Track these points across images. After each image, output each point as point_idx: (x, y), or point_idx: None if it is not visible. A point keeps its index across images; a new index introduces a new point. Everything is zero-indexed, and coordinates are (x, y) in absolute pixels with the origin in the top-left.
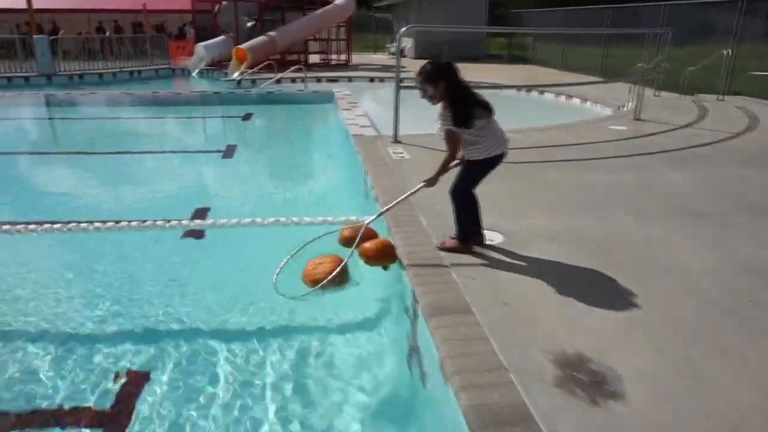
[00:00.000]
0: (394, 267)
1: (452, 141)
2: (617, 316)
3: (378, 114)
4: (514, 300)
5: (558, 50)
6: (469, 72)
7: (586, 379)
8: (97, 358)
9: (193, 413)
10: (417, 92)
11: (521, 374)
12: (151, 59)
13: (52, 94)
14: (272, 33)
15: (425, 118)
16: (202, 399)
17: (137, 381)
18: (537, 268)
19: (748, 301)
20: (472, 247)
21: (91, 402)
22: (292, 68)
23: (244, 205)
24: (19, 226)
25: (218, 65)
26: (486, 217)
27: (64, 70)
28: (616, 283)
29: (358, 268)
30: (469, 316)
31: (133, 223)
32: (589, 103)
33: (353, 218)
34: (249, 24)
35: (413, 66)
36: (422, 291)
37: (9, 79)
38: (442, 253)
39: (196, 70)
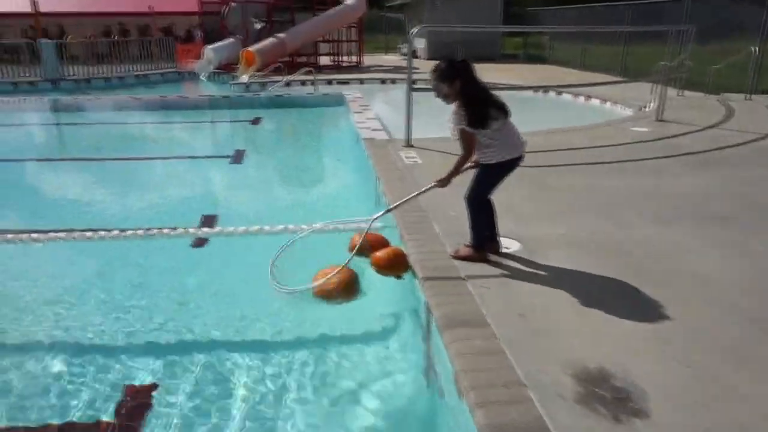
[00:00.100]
0: (407, 276)
1: (466, 141)
2: (641, 327)
3: (390, 117)
4: (532, 311)
5: (576, 49)
6: (484, 72)
7: (608, 396)
8: (105, 370)
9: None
10: (430, 94)
11: (540, 390)
12: (158, 63)
13: (57, 99)
14: (281, 35)
15: (438, 121)
16: (212, 411)
17: (146, 393)
18: (555, 277)
19: None
20: (488, 256)
21: (99, 415)
22: (302, 70)
23: (253, 211)
24: (23, 236)
25: (227, 68)
26: (502, 224)
27: (71, 75)
28: (638, 292)
29: (370, 277)
30: (485, 329)
31: (138, 232)
32: (609, 104)
33: (363, 223)
34: (258, 26)
35: (426, 67)
36: (436, 302)
37: (15, 84)
38: (456, 262)
39: (204, 74)
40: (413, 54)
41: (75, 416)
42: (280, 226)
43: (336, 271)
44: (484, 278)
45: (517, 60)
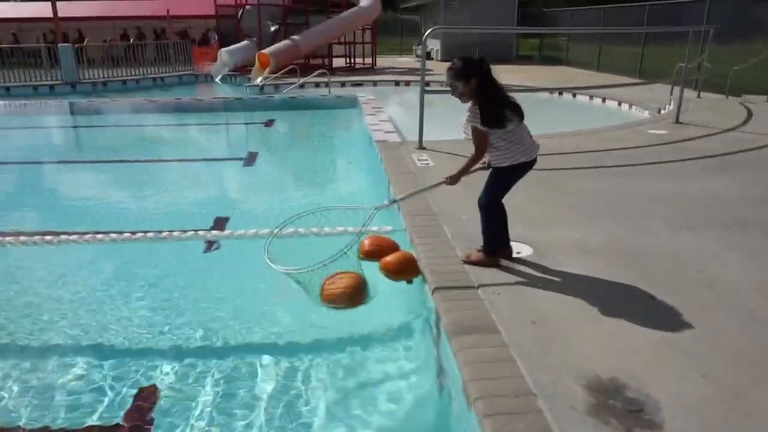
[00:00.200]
0: (417, 281)
1: (478, 140)
2: (655, 336)
3: (403, 119)
4: (544, 318)
5: (592, 50)
6: (499, 74)
7: (621, 407)
8: (110, 374)
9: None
10: (445, 97)
11: (550, 401)
12: (174, 66)
13: (74, 102)
14: (296, 37)
15: (453, 123)
16: (221, 416)
17: (152, 396)
18: (568, 283)
19: None
20: (500, 261)
21: (107, 418)
22: (316, 72)
23: (263, 214)
24: (35, 237)
25: (242, 71)
26: (514, 228)
27: (88, 78)
28: (653, 299)
29: (379, 282)
30: (495, 336)
31: (149, 234)
32: (625, 106)
33: (374, 228)
34: (273, 28)
35: (440, 69)
36: (445, 308)
37: (35, 87)
38: (467, 267)
39: (220, 76)
40: (428, 55)
41: (91, 419)
42: (291, 229)
43: (334, 255)
44: (495, 284)
45: (533, 61)
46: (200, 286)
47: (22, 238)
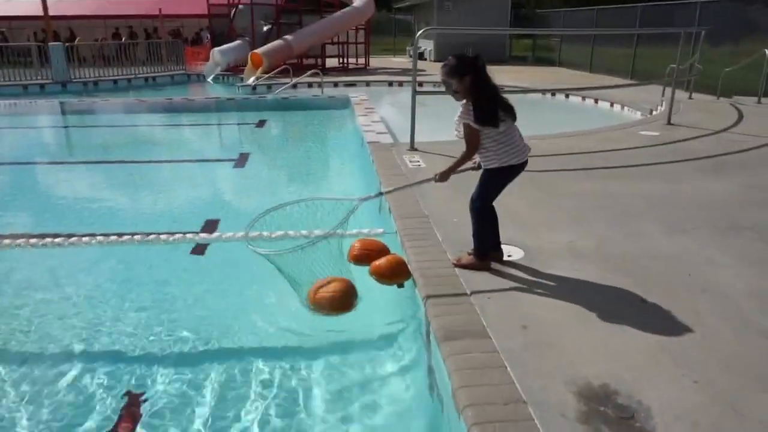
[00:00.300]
0: (408, 285)
1: (470, 137)
2: (648, 341)
3: (396, 120)
4: (535, 323)
5: (585, 52)
6: (493, 74)
7: (612, 415)
8: (98, 381)
9: None
10: (438, 97)
11: (541, 408)
12: (166, 65)
13: (64, 102)
14: (288, 37)
15: (445, 124)
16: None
17: (137, 402)
18: (560, 287)
19: None
20: (490, 264)
21: (104, 425)
22: (309, 73)
23: (253, 216)
24: (20, 240)
25: (234, 70)
26: (505, 231)
27: (79, 77)
28: (646, 304)
29: (369, 286)
30: (485, 341)
31: (136, 237)
32: (617, 107)
33: (365, 230)
34: (266, 28)
35: (434, 69)
36: (435, 313)
37: (25, 86)
38: (458, 270)
39: (212, 76)
40: (421, 56)
41: (80, 428)
42: (280, 232)
43: (324, 235)
44: (485, 287)
45: (526, 62)
46: (187, 289)
47: (6, 241)
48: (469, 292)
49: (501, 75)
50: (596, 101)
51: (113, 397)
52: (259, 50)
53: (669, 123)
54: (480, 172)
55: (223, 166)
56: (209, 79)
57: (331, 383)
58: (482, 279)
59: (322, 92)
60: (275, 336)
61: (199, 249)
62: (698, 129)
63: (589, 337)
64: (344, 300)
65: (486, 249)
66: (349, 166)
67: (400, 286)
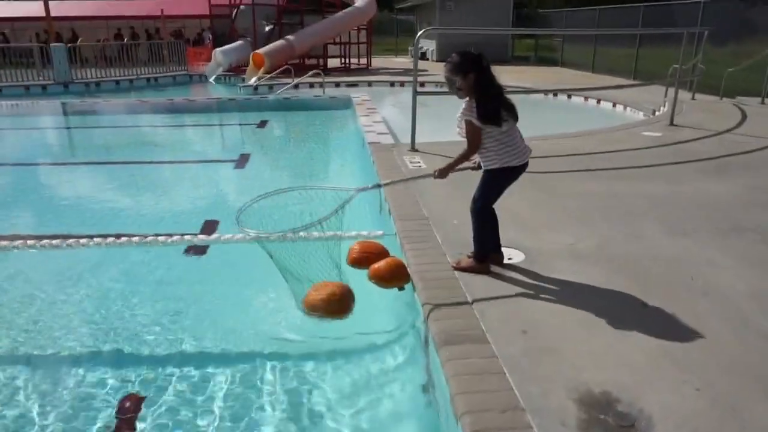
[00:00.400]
0: (408, 288)
1: (472, 135)
2: (649, 346)
3: (397, 120)
4: (535, 328)
5: (587, 52)
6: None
7: (613, 423)
8: (98, 381)
9: None
10: (440, 97)
11: (540, 416)
12: (168, 66)
13: (65, 103)
14: (290, 37)
15: (446, 125)
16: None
17: (136, 406)
18: (561, 291)
19: None
20: (490, 267)
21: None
22: (310, 73)
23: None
24: (17, 242)
25: (236, 71)
26: (505, 233)
27: (81, 78)
28: (647, 307)
29: (368, 289)
30: (485, 346)
31: (134, 239)
32: (620, 107)
33: (364, 233)
34: (267, 28)
35: (435, 69)
36: (433, 317)
37: (27, 87)
38: (458, 274)
39: (214, 76)
40: (423, 56)
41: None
42: (278, 233)
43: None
44: (485, 291)
45: (529, 62)
46: (185, 291)
47: (3, 243)
48: (468, 297)
49: (503, 75)
50: (598, 102)
51: (113, 398)
52: (260, 50)
53: (672, 124)
54: (481, 173)
55: (224, 166)
56: (211, 80)
57: (330, 386)
58: (482, 282)
59: (324, 92)
60: (274, 339)
61: (200, 249)
62: (701, 130)
63: (590, 342)
64: (341, 304)
65: (486, 252)
66: (350, 166)
67: (401, 289)
